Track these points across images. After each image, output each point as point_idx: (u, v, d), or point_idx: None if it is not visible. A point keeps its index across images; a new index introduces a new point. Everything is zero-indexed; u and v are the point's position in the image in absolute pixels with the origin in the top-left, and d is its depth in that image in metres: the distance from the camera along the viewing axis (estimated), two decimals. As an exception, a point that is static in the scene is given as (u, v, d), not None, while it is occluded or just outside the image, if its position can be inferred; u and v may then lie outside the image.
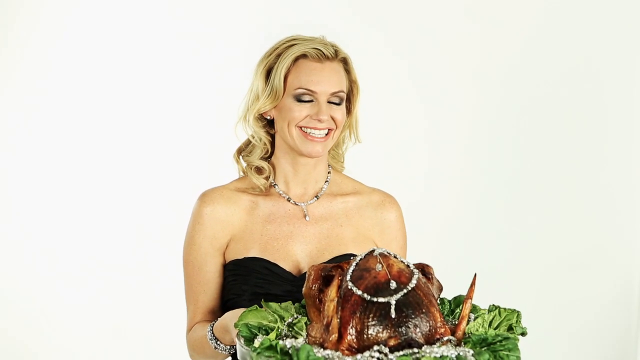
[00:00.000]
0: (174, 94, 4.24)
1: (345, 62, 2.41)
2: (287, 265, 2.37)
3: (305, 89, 2.35)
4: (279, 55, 2.38)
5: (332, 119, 2.36)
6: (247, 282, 2.35)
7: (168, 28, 4.21)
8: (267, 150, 2.48)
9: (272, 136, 2.46)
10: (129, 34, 4.20)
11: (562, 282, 4.18)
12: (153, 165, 4.23)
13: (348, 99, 2.44)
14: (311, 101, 2.35)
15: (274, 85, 2.37)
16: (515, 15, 4.14)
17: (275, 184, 2.46)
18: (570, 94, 4.15)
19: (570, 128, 4.16)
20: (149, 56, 4.21)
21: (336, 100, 2.37)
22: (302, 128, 2.36)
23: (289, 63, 2.36)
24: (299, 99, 2.36)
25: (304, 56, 2.36)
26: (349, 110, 2.45)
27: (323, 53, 2.35)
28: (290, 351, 1.85)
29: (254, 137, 2.46)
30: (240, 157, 2.49)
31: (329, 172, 2.50)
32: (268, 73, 2.39)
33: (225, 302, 2.43)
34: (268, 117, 2.43)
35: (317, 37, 2.40)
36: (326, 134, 2.36)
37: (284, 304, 2.08)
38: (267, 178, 2.46)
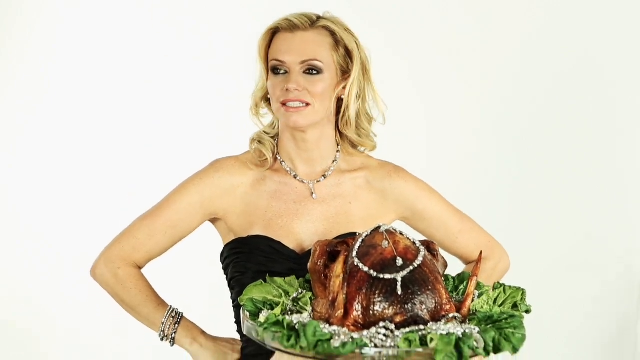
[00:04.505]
0: (173, 95, 4.24)
1: (331, 31, 2.37)
2: (290, 243, 2.36)
3: (275, 60, 2.34)
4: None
5: (309, 91, 2.32)
6: (251, 260, 2.35)
7: (167, 27, 4.21)
8: (274, 134, 2.47)
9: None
10: (128, 35, 4.21)
11: (562, 275, 4.18)
12: (153, 165, 4.24)
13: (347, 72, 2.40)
14: (285, 73, 2.34)
15: (260, 65, 2.40)
16: (518, 9, 4.16)
17: (283, 161, 2.45)
18: (573, 91, 4.16)
19: (571, 124, 4.16)
20: (148, 56, 4.22)
21: (311, 70, 2.33)
22: (282, 103, 2.33)
23: (264, 40, 2.37)
24: (273, 71, 2.35)
25: (278, 30, 2.36)
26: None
27: (294, 23, 2.34)
28: (297, 327, 1.86)
29: (264, 130, 2.47)
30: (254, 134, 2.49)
31: (337, 151, 2.47)
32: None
33: (230, 280, 2.43)
34: (268, 97, 2.43)
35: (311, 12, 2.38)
36: (305, 105, 2.33)
37: (287, 279, 2.09)
38: (273, 153, 2.45)
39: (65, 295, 4.24)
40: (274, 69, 2.35)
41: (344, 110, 2.41)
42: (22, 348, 4.25)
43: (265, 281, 2.07)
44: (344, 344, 1.81)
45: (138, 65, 4.21)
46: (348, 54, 2.38)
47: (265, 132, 2.46)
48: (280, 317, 1.88)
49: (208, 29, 4.21)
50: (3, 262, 4.24)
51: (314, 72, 2.33)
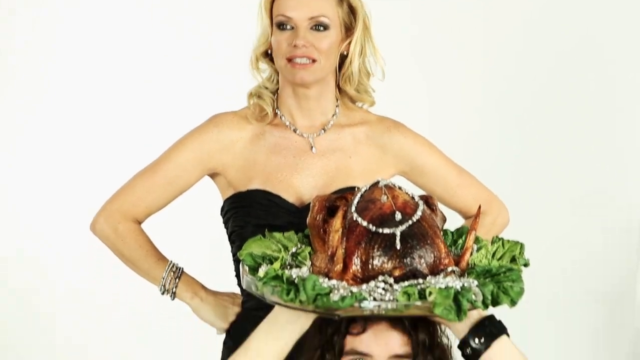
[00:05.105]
0: (173, 95, 4.25)
1: None
2: (290, 196, 2.37)
3: (282, 15, 2.34)
4: None
5: (315, 47, 2.33)
6: (250, 214, 2.36)
7: (167, 27, 4.23)
8: (274, 89, 2.47)
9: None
10: (128, 35, 4.22)
11: (562, 229, 4.20)
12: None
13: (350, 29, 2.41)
14: (292, 29, 2.34)
15: (262, 20, 2.40)
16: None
17: (282, 115, 2.46)
18: (575, 69, 4.16)
19: (573, 102, 4.17)
20: (148, 56, 4.23)
21: (318, 26, 2.33)
22: (288, 59, 2.34)
23: None
24: (279, 27, 2.35)
25: None
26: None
27: None
28: (296, 281, 1.86)
29: (263, 84, 2.47)
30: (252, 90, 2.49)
31: (337, 106, 2.47)
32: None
33: (230, 234, 2.44)
34: (269, 52, 2.43)
35: None
36: (312, 62, 2.34)
37: (287, 234, 2.09)
38: (273, 108, 2.46)
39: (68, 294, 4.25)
40: (279, 24, 2.35)
41: (347, 66, 2.42)
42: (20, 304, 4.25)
43: (264, 235, 2.07)
44: (343, 298, 1.82)
45: (138, 65, 4.23)
46: (351, 10, 2.39)
47: (264, 86, 2.47)
48: (280, 272, 1.88)
49: (208, 29, 4.22)
50: (3, 263, 4.24)
51: (321, 28, 2.34)
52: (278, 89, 2.46)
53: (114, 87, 4.22)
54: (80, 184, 4.24)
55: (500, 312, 1.92)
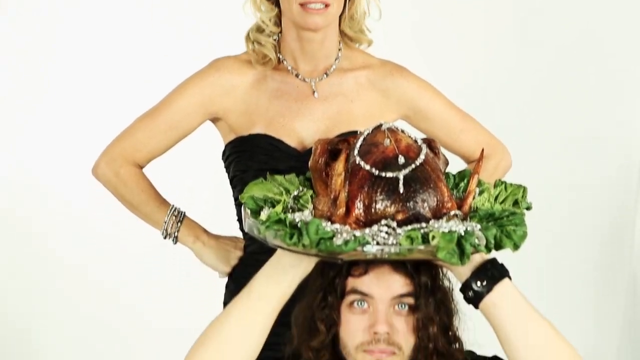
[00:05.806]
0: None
1: None
2: (292, 141, 2.38)
3: None
4: None
5: None
6: (252, 158, 2.37)
7: (167, 27, 4.23)
8: (275, 31, 2.47)
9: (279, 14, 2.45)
10: (128, 35, 4.22)
11: (561, 168, 4.23)
12: (152, 165, 4.23)
13: None
14: None
15: None
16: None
17: (284, 59, 2.45)
18: (575, 63, 4.14)
19: (574, 95, 4.18)
20: (148, 56, 4.23)
21: None
22: (302, 5, 2.34)
23: None
24: None
25: None
26: None
27: None
28: (299, 225, 1.85)
29: (263, 22, 2.46)
30: (249, 34, 2.49)
31: (339, 49, 2.47)
32: None
33: (232, 178, 2.44)
34: None
35: None
36: (325, 7, 2.34)
37: (288, 176, 2.08)
38: (275, 52, 2.46)
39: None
40: None
41: (352, 8, 2.42)
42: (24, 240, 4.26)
43: (266, 179, 2.07)
44: (346, 242, 1.81)
45: (138, 65, 4.23)
46: None
47: (262, 29, 2.46)
48: (282, 215, 1.87)
49: (208, 29, 4.22)
50: (2, 265, 4.23)
51: None
52: (280, 32, 2.46)
53: (114, 87, 4.21)
54: (80, 185, 4.23)
55: (501, 254, 1.91)
